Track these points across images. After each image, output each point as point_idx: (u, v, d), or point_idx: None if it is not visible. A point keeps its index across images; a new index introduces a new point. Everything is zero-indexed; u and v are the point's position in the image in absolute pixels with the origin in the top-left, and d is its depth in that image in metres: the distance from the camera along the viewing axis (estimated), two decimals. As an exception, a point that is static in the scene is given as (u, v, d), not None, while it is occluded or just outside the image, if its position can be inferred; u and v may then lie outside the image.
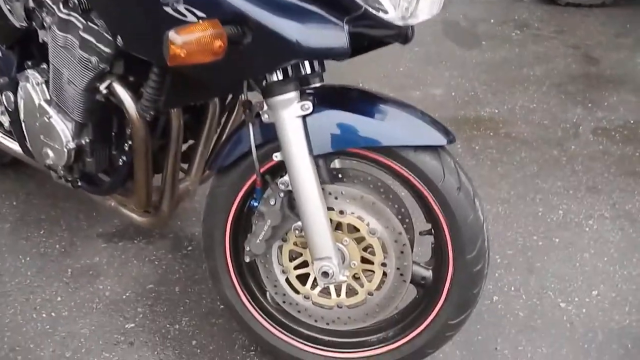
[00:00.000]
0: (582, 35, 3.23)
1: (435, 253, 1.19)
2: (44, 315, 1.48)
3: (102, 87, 1.14)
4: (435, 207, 1.08)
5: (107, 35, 1.05)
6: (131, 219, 1.46)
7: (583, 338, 1.43)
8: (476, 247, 1.10)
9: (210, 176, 1.53)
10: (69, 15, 1.10)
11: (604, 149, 2.19)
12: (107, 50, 1.06)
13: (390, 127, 1.05)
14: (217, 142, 1.46)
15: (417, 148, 1.05)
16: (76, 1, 1.09)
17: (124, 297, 1.53)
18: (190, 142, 1.45)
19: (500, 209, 1.87)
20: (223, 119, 1.47)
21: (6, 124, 1.57)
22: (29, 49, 1.41)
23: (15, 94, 1.43)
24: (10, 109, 1.48)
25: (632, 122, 2.37)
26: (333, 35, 0.86)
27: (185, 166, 1.46)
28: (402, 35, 1.02)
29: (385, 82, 2.66)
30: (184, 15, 0.86)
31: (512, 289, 1.58)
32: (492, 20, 3.47)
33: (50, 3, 1.13)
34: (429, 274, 1.19)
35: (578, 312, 1.51)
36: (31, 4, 1.22)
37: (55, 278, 1.59)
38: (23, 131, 1.46)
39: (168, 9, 0.87)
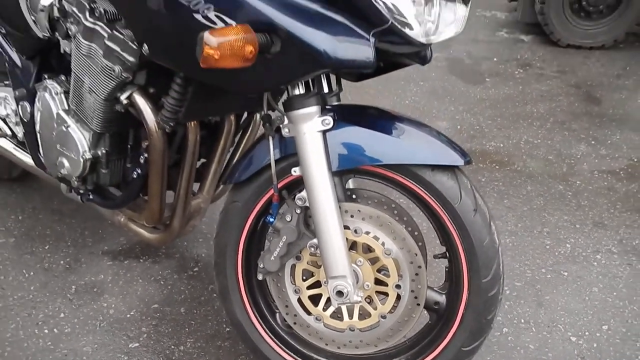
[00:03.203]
0: (583, 75, 3.31)
1: (449, 277, 1.17)
2: (46, 331, 1.44)
3: (123, 97, 1.15)
4: (451, 229, 1.08)
5: (132, 44, 1.06)
6: (140, 234, 1.44)
7: (595, 373, 1.40)
8: (491, 270, 1.09)
9: (221, 195, 1.53)
10: (94, 24, 1.12)
11: (609, 186, 2.21)
12: (131, 59, 1.07)
13: (408, 146, 1.05)
14: (230, 160, 1.46)
15: (434, 168, 1.05)
16: (102, 10, 1.10)
17: (128, 316, 1.50)
18: (203, 160, 1.46)
19: (508, 240, 1.87)
20: (237, 138, 1.47)
21: (20, 134, 1.58)
22: (48, 60, 1.44)
23: (32, 104, 1.45)
24: (25, 120, 1.48)
25: (635, 160, 2.40)
26: (360, 47, 0.87)
27: (196, 184, 1.45)
28: (422, 55, 1.04)
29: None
30: (214, 23, 0.87)
31: (522, 321, 1.56)
32: (495, 59, 3.56)
33: (77, 12, 1.15)
34: (442, 298, 1.18)
35: (589, 346, 1.48)
36: (56, 14, 1.24)
37: (59, 294, 1.57)
38: (37, 142, 1.46)
39: (198, 16, 0.88)
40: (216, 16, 0.87)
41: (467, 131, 2.62)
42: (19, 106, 1.49)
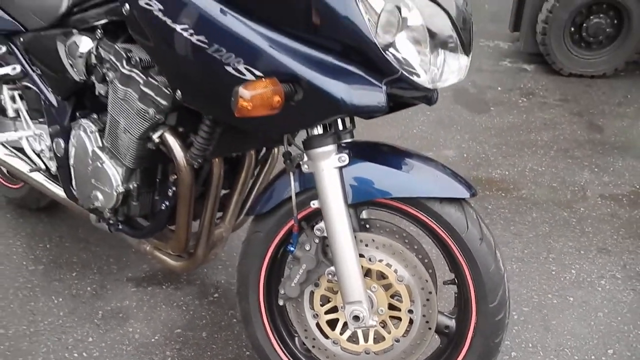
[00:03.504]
0: (585, 103, 3.40)
1: (458, 302, 1.25)
2: (75, 355, 1.52)
3: (155, 136, 1.25)
4: (459, 257, 1.16)
5: (165, 89, 1.17)
6: (165, 262, 1.53)
7: (601, 395, 1.45)
8: (498, 296, 1.16)
9: (241, 224, 1.62)
10: (130, 71, 1.23)
11: (612, 212, 2.28)
12: (164, 102, 1.18)
13: (417, 180, 1.14)
14: (250, 191, 1.56)
15: (442, 200, 1.14)
16: (138, 59, 1.22)
17: (153, 340, 1.58)
18: (225, 191, 1.55)
19: (515, 266, 1.94)
20: (256, 171, 1.57)
21: (53, 168, 1.69)
22: (82, 101, 1.55)
23: (66, 141, 1.56)
24: (59, 155, 1.59)
25: (637, 186, 2.47)
26: (373, 94, 0.97)
27: (218, 213, 1.54)
28: (429, 97, 1.14)
29: (400, 143, 2.76)
30: (243, 74, 0.98)
31: (530, 345, 1.61)
32: (499, 88, 3.67)
33: (114, 60, 1.26)
34: (452, 323, 1.25)
35: (595, 370, 1.54)
36: (93, 61, 1.36)
37: (87, 319, 1.65)
38: (70, 176, 1.57)
39: (229, 68, 0.99)
40: (245, 69, 0.97)
41: (473, 159, 2.71)
42: (54, 142, 1.60)
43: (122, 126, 1.29)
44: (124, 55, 1.23)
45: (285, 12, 0.96)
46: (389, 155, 1.19)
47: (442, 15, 0.98)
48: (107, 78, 1.29)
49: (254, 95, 0.90)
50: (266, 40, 0.96)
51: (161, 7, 1.04)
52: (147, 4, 1.06)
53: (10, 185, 2.17)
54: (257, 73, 0.97)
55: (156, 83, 1.18)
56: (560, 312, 1.74)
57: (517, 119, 3.19)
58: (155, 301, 1.73)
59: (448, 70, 1.03)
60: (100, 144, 1.42)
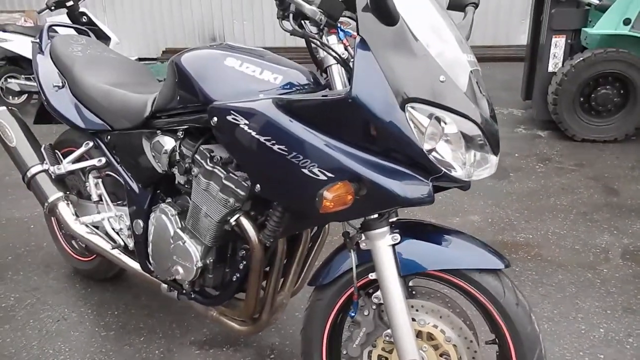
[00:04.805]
0: (600, 168, 3.61)
1: (499, 360, 1.41)
2: (152, 413, 1.69)
3: (232, 220, 1.49)
4: (499, 320, 1.34)
5: (243, 182, 1.42)
6: (230, 327, 1.72)
7: None
8: (535, 354, 1.33)
9: (297, 291, 1.82)
10: (213, 167, 1.49)
11: (634, 273, 2.42)
12: (242, 193, 1.43)
13: (459, 254, 1.35)
14: (304, 262, 1.76)
15: (481, 271, 1.34)
16: (219, 157, 1.48)
17: (220, 399, 1.74)
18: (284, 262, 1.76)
19: (546, 326, 2.08)
20: (309, 244, 1.79)
21: (130, 245, 1.93)
22: (158, 187, 1.81)
23: (145, 221, 1.81)
24: (137, 233, 1.84)
25: (657, 248, 2.62)
26: (422, 189, 1.19)
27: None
28: (465, 186, 1.37)
29: (427, 210, 3.01)
30: (317, 175, 1.22)
31: (566, 401, 1.74)
32: (516, 154, 3.90)
33: (199, 158, 1.52)
34: (495, 379, 1.41)
35: None
36: (177, 157, 1.62)
37: (159, 381, 1.83)
38: (147, 251, 1.81)
39: (305, 170, 1.23)
40: (319, 171, 1.21)
41: (497, 224, 2.89)
42: (134, 223, 1.85)
43: (204, 211, 1.53)
44: (207, 155, 1.49)
45: (352, 129, 1.20)
46: (432, 232, 1.40)
47: (473, 125, 1.21)
48: (193, 172, 1.54)
49: (335, 196, 1.14)
50: (335, 150, 1.20)
51: (246, 122, 1.30)
52: (234, 119, 1.32)
53: (81, 259, 2.42)
54: (329, 174, 1.20)
55: (236, 177, 1.43)
56: (592, 370, 1.87)
57: (536, 184, 3.39)
58: (217, 363, 1.91)
59: (481, 166, 1.25)
60: (180, 225, 1.66)
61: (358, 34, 1.15)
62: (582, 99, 3.93)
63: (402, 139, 1.15)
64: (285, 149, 1.24)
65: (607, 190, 3.27)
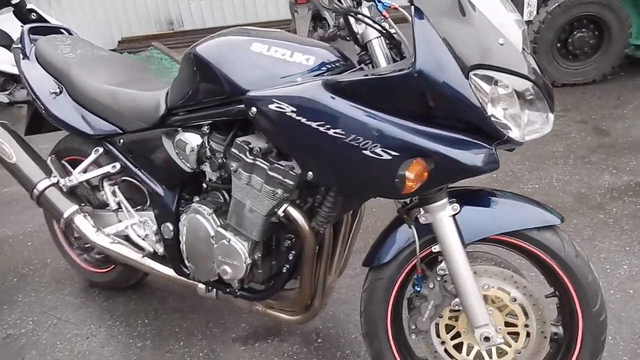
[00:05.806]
0: (585, 110, 3.70)
1: (561, 311, 1.45)
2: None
3: (280, 211, 1.44)
4: (561, 273, 1.36)
5: (291, 172, 1.37)
6: (280, 318, 1.69)
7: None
8: (598, 300, 1.36)
9: (342, 272, 1.80)
10: (254, 160, 1.43)
11: (641, 207, 2.52)
12: (291, 183, 1.37)
13: (517, 215, 1.35)
14: (347, 242, 1.74)
15: (539, 228, 1.35)
16: (258, 148, 1.42)
17: (280, 390, 1.73)
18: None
19: (574, 270, 2.15)
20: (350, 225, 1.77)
21: (160, 250, 1.85)
22: (185, 188, 1.74)
23: (174, 224, 1.74)
24: (167, 237, 1.77)
25: (656, 181, 2.73)
26: (488, 156, 1.18)
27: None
28: (514, 148, 1.37)
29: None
30: (380, 155, 1.18)
31: (609, 338, 1.81)
32: (502, 107, 3.95)
33: (237, 152, 1.45)
34: (560, 330, 1.45)
35: (672, 350, 1.74)
36: (207, 154, 1.55)
37: (213, 382, 1.80)
38: (181, 255, 1.74)
39: (367, 152, 1.19)
40: (382, 151, 1.18)
41: (502, 179, 2.94)
42: (161, 227, 1.78)
43: (249, 206, 1.47)
44: (245, 147, 1.43)
45: (413, 103, 1.15)
46: (486, 197, 1.40)
47: (529, 85, 1.20)
48: (231, 167, 1.48)
49: (416, 175, 1.11)
50: (397, 127, 1.16)
51: (293, 109, 1.25)
52: (278, 107, 1.27)
53: (98, 270, 2.32)
54: (394, 153, 1.17)
55: (282, 167, 1.38)
56: (626, 305, 1.95)
57: (528, 133, 3.45)
58: (266, 355, 1.89)
59: (535, 125, 1.25)
60: (220, 223, 1.60)
61: (412, 4, 1.10)
62: (559, 45, 4.00)
63: (468, 107, 1.13)
64: (343, 133, 1.20)
65: (597, 132, 3.37)
